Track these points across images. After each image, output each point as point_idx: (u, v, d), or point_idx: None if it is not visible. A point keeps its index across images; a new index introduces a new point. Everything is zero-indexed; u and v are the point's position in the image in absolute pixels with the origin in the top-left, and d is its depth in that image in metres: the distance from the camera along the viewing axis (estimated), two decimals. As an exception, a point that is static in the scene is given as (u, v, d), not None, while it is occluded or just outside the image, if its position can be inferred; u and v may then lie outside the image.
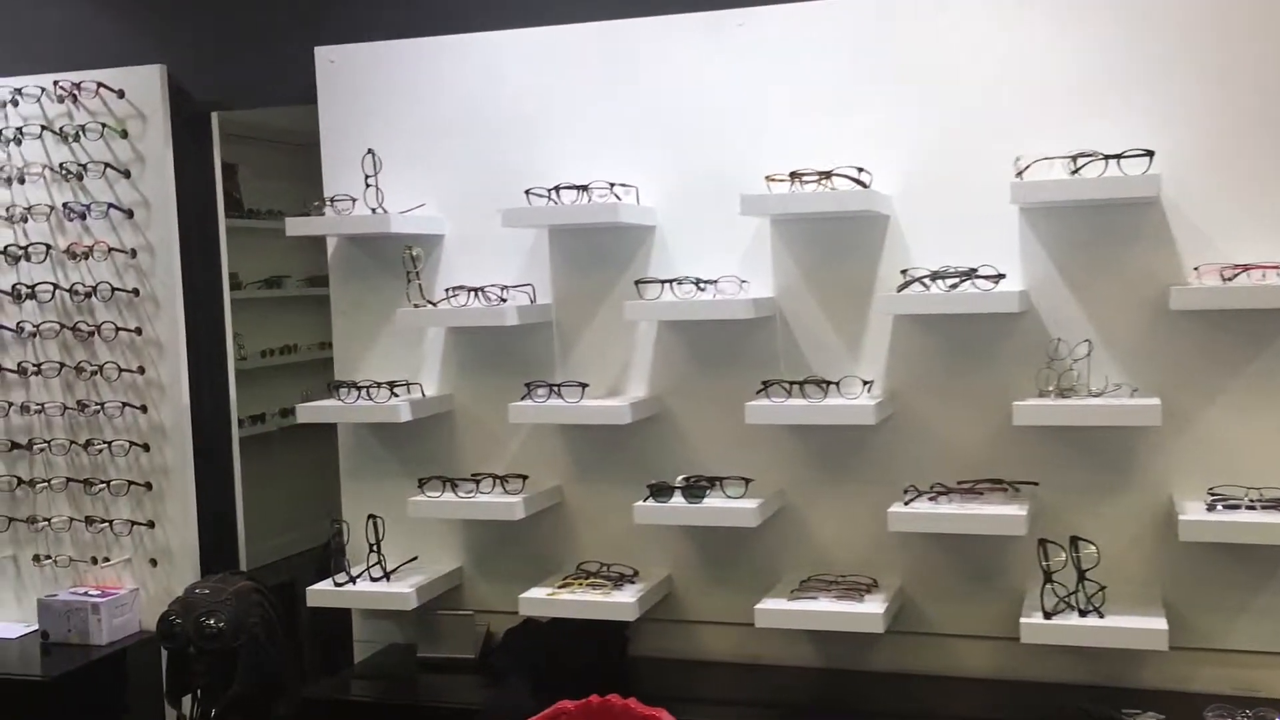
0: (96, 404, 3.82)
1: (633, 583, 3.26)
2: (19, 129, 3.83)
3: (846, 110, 3.12)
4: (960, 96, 3.05)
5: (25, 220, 3.85)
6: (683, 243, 3.28)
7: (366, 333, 3.57)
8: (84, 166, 3.79)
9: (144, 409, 3.80)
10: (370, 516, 3.41)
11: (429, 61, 3.47)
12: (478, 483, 3.32)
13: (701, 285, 3.13)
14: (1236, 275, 2.80)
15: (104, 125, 3.76)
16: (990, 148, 2.98)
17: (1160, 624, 2.78)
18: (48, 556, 3.92)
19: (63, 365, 3.85)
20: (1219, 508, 2.81)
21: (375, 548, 3.41)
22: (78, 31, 3.89)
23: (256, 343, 4.70)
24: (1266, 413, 2.90)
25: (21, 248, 3.86)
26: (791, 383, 3.05)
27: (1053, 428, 2.99)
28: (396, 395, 3.39)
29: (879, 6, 3.10)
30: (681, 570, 3.36)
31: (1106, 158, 2.81)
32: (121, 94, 3.75)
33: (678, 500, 3.11)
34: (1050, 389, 2.94)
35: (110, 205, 3.77)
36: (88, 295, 3.80)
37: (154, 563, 3.84)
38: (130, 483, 3.81)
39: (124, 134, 3.76)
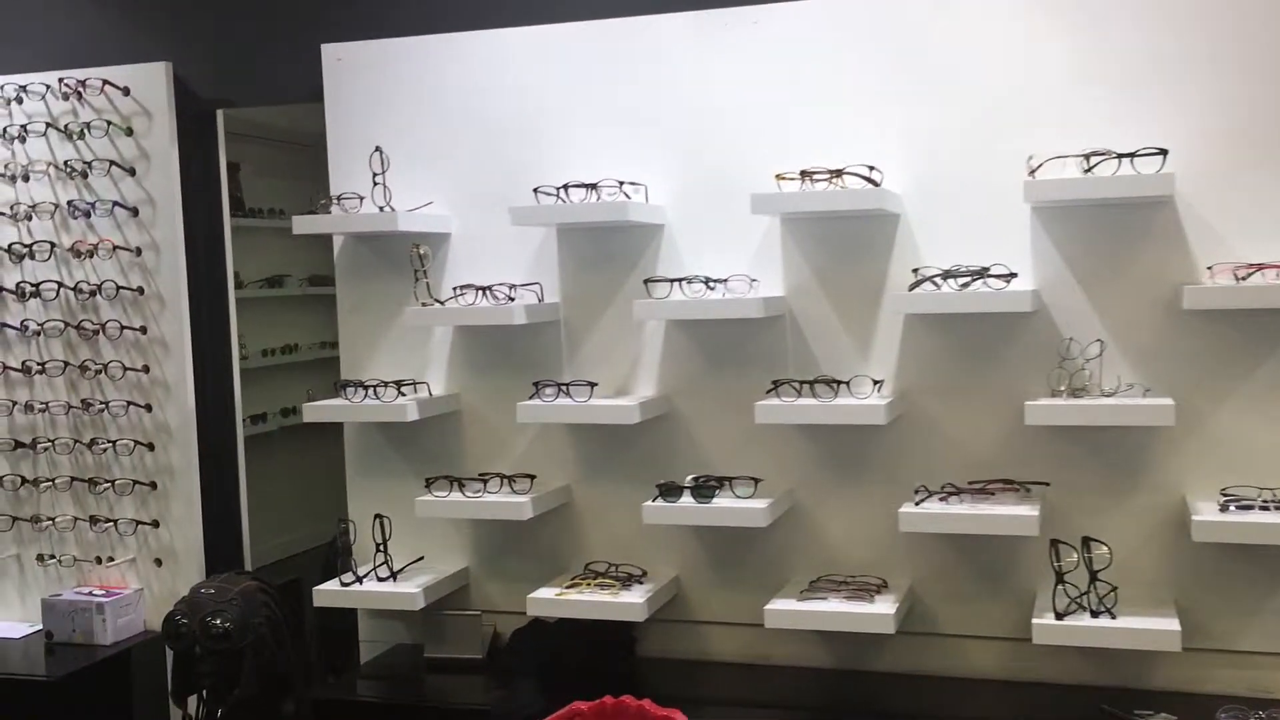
0: (101, 403, 3.81)
1: (641, 583, 3.25)
2: (24, 126, 3.81)
3: (858, 109, 3.11)
4: (973, 95, 3.03)
5: (30, 218, 3.84)
6: (692, 241, 3.27)
7: (373, 331, 3.56)
8: (89, 164, 3.77)
9: (149, 408, 3.79)
10: (377, 516, 3.40)
11: (437, 59, 3.45)
12: (485, 482, 3.30)
13: (711, 284, 3.12)
14: (1250, 274, 2.79)
15: (109, 123, 3.74)
16: (1002, 146, 2.97)
17: (1173, 625, 2.78)
18: (52, 556, 3.90)
19: (67, 364, 3.84)
20: (1232, 508, 2.80)
21: (382, 547, 3.40)
22: (83, 29, 3.88)
23: (257, 342, 4.70)
24: (1280, 413, 2.90)
25: (26, 246, 3.84)
26: (801, 382, 3.04)
27: (1064, 428, 2.98)
28: (403, 394, 3.38)
29: (891, 4, 3.09)
30: (690, 570, 3.35)
31: (1120, 156, 2.79)
32: (127, 91, 3.73)
33: (687, 500, 3.10)
34: (1062, 389, 2.93)
35: (115, 203, 3.75)
36: (92, 294, 3.79)
37: (159, 562, 3.82)
38: (135, 482, 3.80)
39: (129, 132, 3.74)
